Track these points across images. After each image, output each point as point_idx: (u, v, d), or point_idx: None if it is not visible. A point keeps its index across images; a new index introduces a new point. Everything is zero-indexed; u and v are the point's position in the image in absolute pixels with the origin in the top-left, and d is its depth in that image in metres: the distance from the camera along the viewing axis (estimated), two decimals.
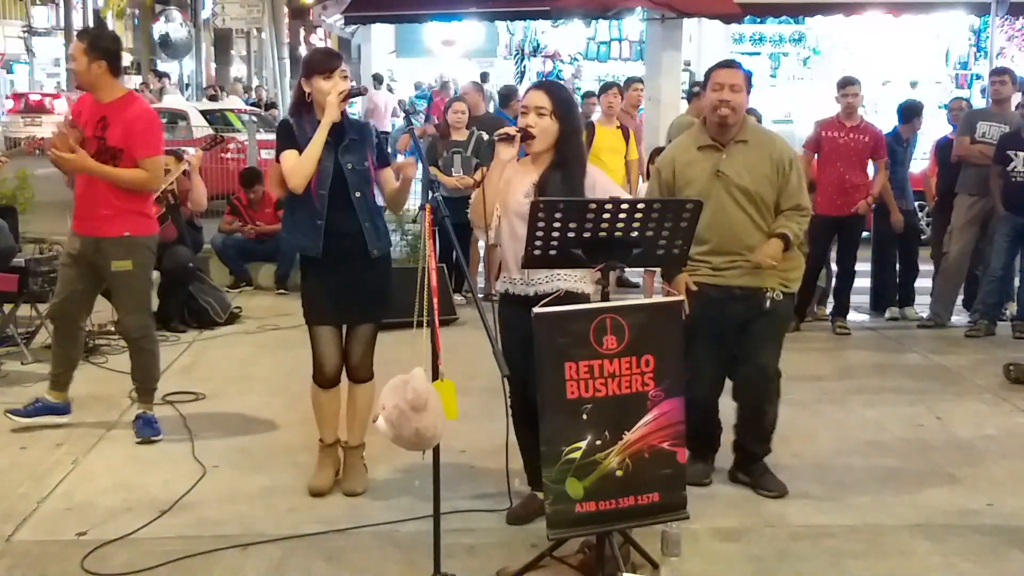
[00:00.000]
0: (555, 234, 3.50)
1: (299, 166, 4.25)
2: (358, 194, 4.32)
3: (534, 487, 4.16)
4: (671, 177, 4.51)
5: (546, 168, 4.00)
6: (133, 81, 26.66)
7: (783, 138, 4.67)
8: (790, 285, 4.52)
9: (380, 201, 4.62)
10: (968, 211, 7.96)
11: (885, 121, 9.06)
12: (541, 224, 3.48)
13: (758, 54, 18.37)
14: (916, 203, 8.75)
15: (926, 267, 8.81)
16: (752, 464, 4.68)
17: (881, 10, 14.68)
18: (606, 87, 9.09)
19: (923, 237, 9.30)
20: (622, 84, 9.59)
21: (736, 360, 4.60)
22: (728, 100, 4.37)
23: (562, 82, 17.95)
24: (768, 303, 4.43)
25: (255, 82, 25.37)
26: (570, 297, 3.83)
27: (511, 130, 3.98)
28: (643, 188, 8.51)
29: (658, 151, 8.65)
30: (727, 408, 4.73)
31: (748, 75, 4.53)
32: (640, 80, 9.16)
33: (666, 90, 12.65)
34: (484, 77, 18.73)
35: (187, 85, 21.70)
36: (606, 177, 4.20)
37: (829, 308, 8.16)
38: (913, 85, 15.47)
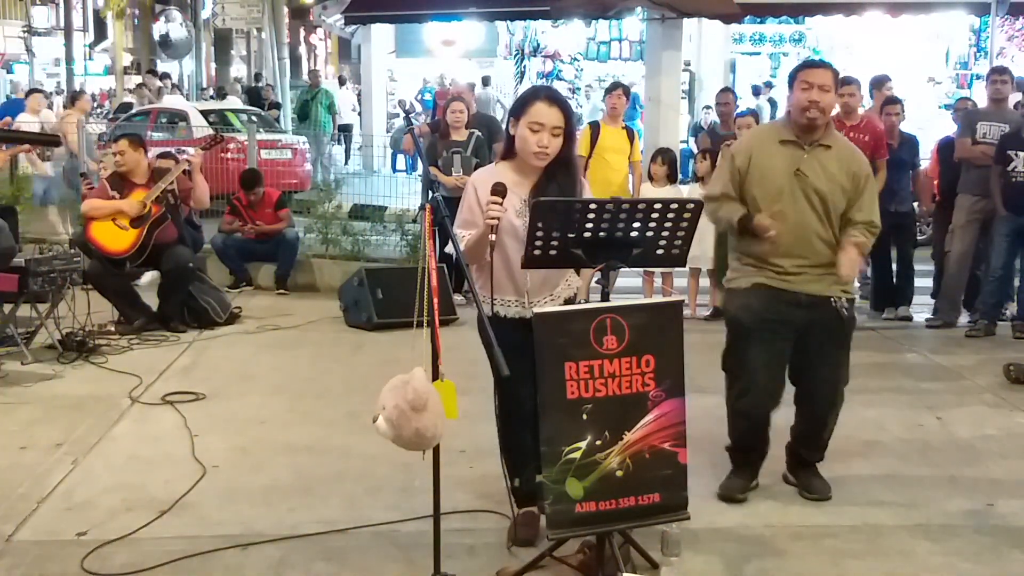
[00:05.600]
0: (555, 234, 3.50)
1: None
2: None
3: (520, 504, 4.06)
4: (746, 164, 4.37)
5: (538, 180, 3.82)
6: (132, 81, 26.64)
7: (861, 153, 4.57)
8: (850, 291, 4.46)
9: None
10: (970, 211, 7.95)
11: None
12: (541, 224, 3.48)
13: (758, 54, 18.37)
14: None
15: (927, 267, 8.80)
16: (803, 468, 4.64)
17: (881, 10, 14.69)
18: (612, 87, 9.07)
19: (922, 238, 9.30)
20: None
21: (799, 369, 4.49)
22: (818, 101, 4.25)
23: (561, 83, 18.05)
24: (843, 312, 4.34)
25: (258, 82, 25.34)
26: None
27: (495, 219, 3.55)
28: (645, 189, 8.53)
29: (660, 151, 8.69)
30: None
31: (836, 73, 4.42)
32: (621, 86, 9.12)
33: (666, 90, 12.66)
34: (486, 80, 18.76)
35: (173, 85, 21.63)
36: (589, 191, 4.04)
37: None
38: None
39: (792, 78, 4.43)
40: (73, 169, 10.98)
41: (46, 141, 9.77)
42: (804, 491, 4.58)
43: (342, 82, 21.77)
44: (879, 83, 9.26)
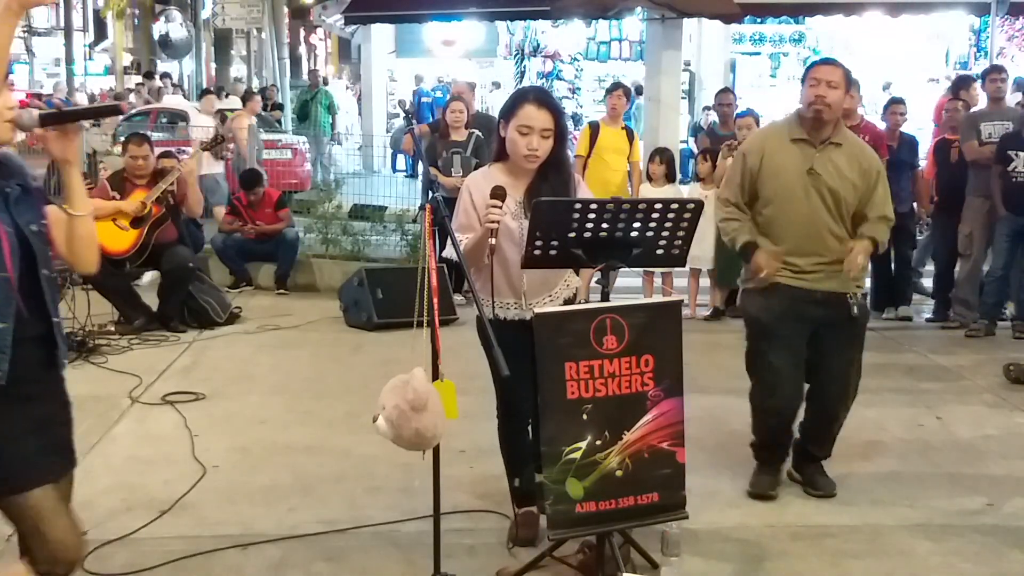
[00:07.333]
0: (555, 233, 3.50)
1: None
2: (46, 271, 2.76)
3: (520, 504, 4.05)
4: (757, 164, 4.40)
5: (531, 181, 3.80)
6: (132, 81, 26.64)
7: (871, 148, 4.63)
8: (863, 286, 4.53)
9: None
10: (990, 213, 7.87)
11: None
12: (541, 224, 3.48)
13: (758, 54, 18.35)
14: None
15: (927, 267, 8.80)
16: (809, 464, 4.66)
17: (881, 10, 14.68)
18: (612, 87, 9.07)
19: (920, 239, 9.28)
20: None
21: (813, 364, 4.47)
22: (824, 96, 4.29)
23: (561, 82, 18.04)
24: (855, 309, 4.36)
25: (258, 83, 25.34)
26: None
27: (495, 222, 3.51)
28: (644, 189, 8.52)
29: (657, 151, 8.68)
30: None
31: (847, 72, 4.45)
32: (622, 86, 9.13)
33: (666, 90, 12.65)
34: (473, 86, 18.74)
35: (174, 85, 21.67)
36: (587, 190, 4.04)
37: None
38: (886, 88, 15.51)
39: (804, 76, 4.48)
40: (240, 170, 10.86)
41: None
42: (809, 488, 4.59)
43: (326, 83, 21.74)
44: (965, 83, 9.22)
